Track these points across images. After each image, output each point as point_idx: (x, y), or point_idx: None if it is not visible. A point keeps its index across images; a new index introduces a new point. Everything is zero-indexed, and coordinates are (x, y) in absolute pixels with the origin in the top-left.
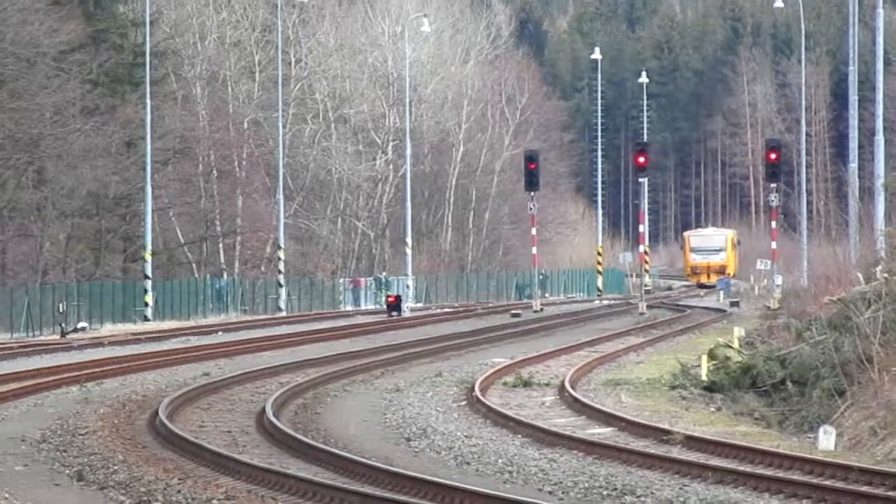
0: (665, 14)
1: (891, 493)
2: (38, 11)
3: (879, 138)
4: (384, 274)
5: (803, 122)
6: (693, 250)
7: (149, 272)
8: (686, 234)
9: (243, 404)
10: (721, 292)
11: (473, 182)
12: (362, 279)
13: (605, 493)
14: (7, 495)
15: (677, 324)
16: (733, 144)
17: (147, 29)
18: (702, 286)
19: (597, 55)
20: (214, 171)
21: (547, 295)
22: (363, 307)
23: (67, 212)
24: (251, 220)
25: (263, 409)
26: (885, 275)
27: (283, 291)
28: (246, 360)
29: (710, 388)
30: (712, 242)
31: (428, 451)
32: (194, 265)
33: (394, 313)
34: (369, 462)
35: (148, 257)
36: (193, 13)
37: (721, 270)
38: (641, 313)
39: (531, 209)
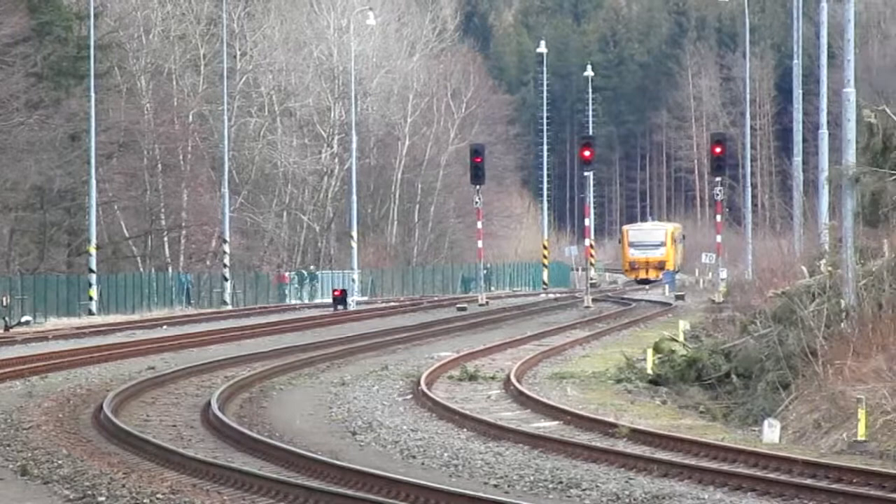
0: (610, 7)
1: (835, 486)
2: None
3: (823, 132)
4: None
5: (748, 115)
6: (632, 245)
7: (93, 266)
8: (625, 227)
9: (189, 398)
10: (666, 286)
11: (419, 176)
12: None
13: (550, 486)
14: None
15: (623, 317)
16: (678, 138)
17: (91, 22)
18: (641, 282)
19: (542, 49)
20: (159, 165)
21: (492, 288)
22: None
23: (11, 205)
24: (196, 213)
25: (209, 403)
26: (829, 268)
27: (228, 285)
28: (192, 354)
29: (656, 381)
30: (652, 237)
31: (374, 444)
32: (139, 259)
33: (339, 307)
34: (315, 456)
35: (92, 251)
36: (138, 6)
37: (660, 266)
38: (587, 307)
39: (477, 203)
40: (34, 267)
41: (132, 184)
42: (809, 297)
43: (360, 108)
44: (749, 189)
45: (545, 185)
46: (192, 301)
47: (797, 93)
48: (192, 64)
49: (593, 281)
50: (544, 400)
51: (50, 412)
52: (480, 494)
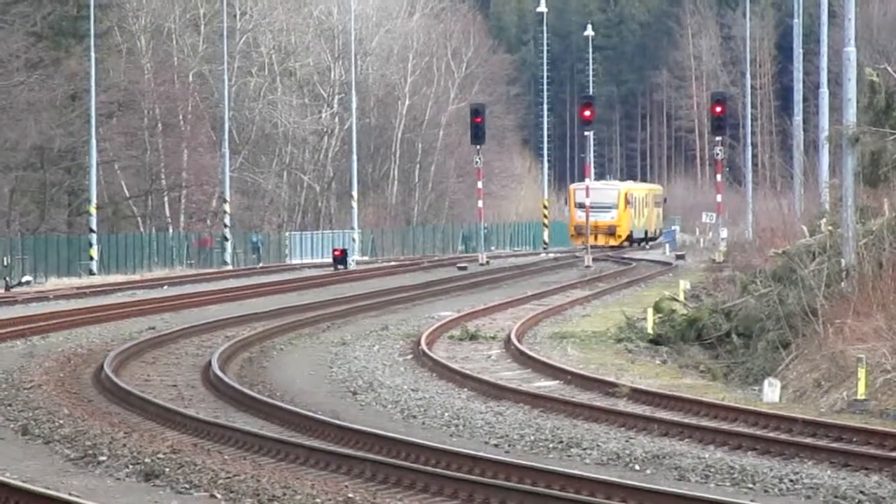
0: None
1: (834, 445)
2: None
3: (824, 91)
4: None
5: (748, 75)
6: (579, 206)
7: (94, 226)
8: (571, 186)
9: (189, 358)
10: (667, 245)
11: (419, 135)
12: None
13: (551, 445)
14: None
15: (623, 277)
16: (678, 97)
17: None
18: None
19: (542, 8)
20: (159, 125)
21: (493, 248)
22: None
23: (11, 165)
24: (196, 173)
25: (209, 363)
26: (830, 227)
27: (228, 245)
28: (192, 314)
29: (656, 340)
30: (602, 198)
31: (374, 404)
32: (139, 219)
33: (340, 267)
34: (315, 415)
35: (93, 211)
36: None
37: (611, 231)
38: (587, 266)
39: (477, 162)
40: (34, 227)
41: (132, 144)
42: (810, 256)
43: (360, 67)
44: (749, 148)
45: (545, 145)
46: (191, 261)
47: (797, 52)
48: (192, 23)
49: None
50: (545, 359)
51: (51, 372)
52: (481, 454)
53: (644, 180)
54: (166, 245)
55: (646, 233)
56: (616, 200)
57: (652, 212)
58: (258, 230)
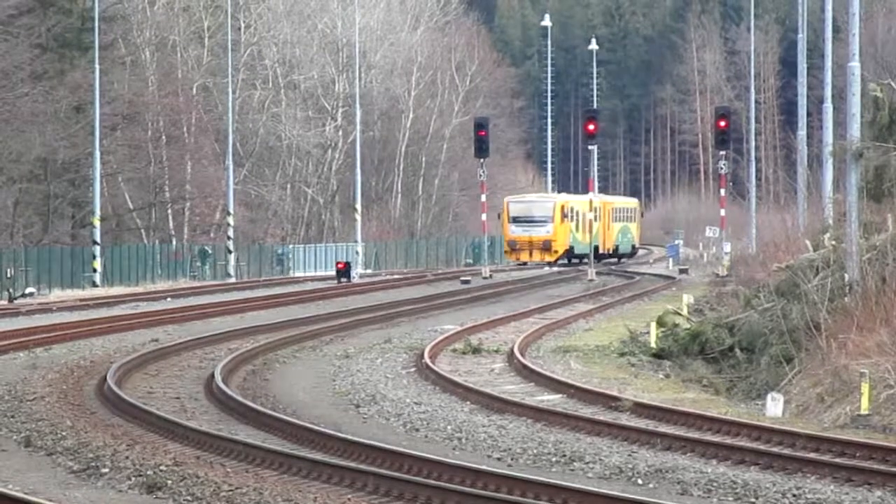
0: None
1: (838, 460)
2: None
3: (828, 106)
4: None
5: (752, 89)
6: (513, 220)
7: (97, 238)
8: (506, 199)
9: (192, 370)
10: (670, 259)
11: (423, 148)
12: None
13: (553, 459)
14: None
15: (626, 290)
16: (682, 112)
17: None
18: (523, 265)
19: (547, 22)
20: (163, 137)
21: (496, 262)
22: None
23: (15, 177)
24: (200, 185)
25: (212, 376)
26: (833, 242)
27: (232, 257)
28: (195, 326)
29: (659, 354)
30: (536, 211)
31: (377, 417)
32: (143, 231)
33: (343, 280)
34: (318, 428)
35: (96, 223)
36: None
37: (546, 247)
38: (591, 280)
39: (481, 176)
40: (38, 238)
41: (136, 156)
42: (813, 271)
43: (363, 80)
44: (753, 163)
45: (549, 159)
46: (194, 274)
47: (802, 67)
48: (197, 36)
49: None
50: (548, 373)
51: (54, 384)
52: (484, 467)
53: (648, 195)
54: (170, 257)
55: (596, 249)
56: (551, 214)
57: (610, 227)
58: (267, 242)
